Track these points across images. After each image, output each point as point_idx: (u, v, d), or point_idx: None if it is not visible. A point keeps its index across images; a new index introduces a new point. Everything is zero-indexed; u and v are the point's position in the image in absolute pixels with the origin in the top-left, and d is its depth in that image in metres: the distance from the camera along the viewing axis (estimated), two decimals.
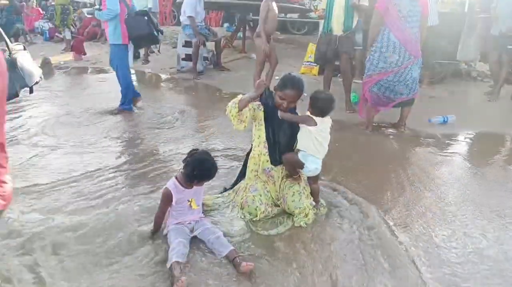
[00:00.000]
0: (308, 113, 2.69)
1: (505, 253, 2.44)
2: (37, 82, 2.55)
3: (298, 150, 2.72)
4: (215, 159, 2.46)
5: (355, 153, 4.09)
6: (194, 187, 2.41)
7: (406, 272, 2.23)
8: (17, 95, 2.38)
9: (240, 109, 2.66)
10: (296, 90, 2.66)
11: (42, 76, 2.61)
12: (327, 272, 2.22)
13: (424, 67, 5.99)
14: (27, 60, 2.39)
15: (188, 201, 2.40)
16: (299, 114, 2.81)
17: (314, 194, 2.83)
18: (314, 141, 2.66)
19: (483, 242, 2.55)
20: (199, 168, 2.32)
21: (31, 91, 2.48)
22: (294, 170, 2.79)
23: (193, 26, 7.19)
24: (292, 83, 2.66)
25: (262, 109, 2.80)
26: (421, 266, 2.29)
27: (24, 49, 2.46)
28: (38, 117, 4.95)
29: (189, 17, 7.13)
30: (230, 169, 3.45)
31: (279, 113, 2.69)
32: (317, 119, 2.64)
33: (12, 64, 2.27)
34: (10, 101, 2.30)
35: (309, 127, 2.65)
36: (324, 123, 2.67)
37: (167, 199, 2.37)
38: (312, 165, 2.69)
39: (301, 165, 2.70)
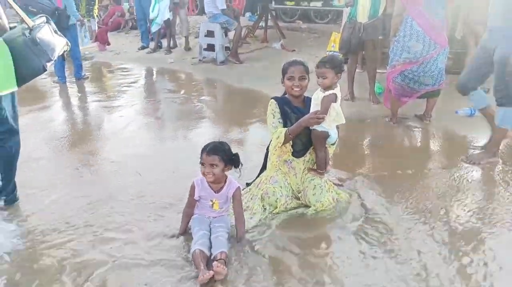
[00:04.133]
0: (322, 92, 2.63)
1: None
2: (65, 51, 2.69)
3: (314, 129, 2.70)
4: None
5: (378, 146, 4.01)
6: (222, 191, 2.39)
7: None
8: (45, 70, 2.55)
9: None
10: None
11: (69, 43, 2.73)
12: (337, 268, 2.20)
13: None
14: (47, 35, 2.48)
15: (211, 200, 2.40)
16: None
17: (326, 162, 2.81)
18: (332, 114, 2.63)
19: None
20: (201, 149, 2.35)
21: (63, 58, 2.65)
22: (322, 144, 2.75)
23: (229, 15, 7.49)
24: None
25: (278, 106, 2.78)
26: None
27: (47, 21, 2.53)
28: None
29: (223, 9, 7.39)
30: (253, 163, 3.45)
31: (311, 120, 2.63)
32: (337, 90, 2.63)
33: (33, 42, 2.39)
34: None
35: (333, 104, 2.61)
36: (339, 91, 2.67)
37: (191, 191, 2.41)
38: (332, 132, 2.70)
39: (326, 134, 2.69)
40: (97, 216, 2.65)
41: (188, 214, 2.44)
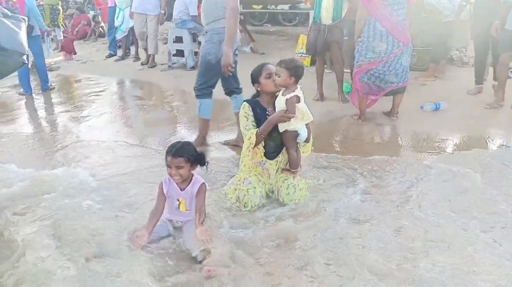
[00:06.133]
0: (284, 96, 2.70)
1: None
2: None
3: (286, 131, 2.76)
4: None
5: (347, 143, 4.09)
6: (187, 189, 2.42)
7: None
8: (25, 63, 2.58)
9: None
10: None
11: (25, 18, 2.74)
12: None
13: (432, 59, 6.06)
14: (9, 33, 2.47)
15: (178, 200, 2.43)
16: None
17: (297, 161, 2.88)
18: (297, 115, 2.70)
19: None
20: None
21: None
22: (294, 143, 2.81)
23: (197, 21, 7.34)
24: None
25: (251, 109, 2.83)
26: None
27: None
28: None
29: (195, 16, 7.33)
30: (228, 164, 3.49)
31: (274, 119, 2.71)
32: (298, 91, 2.70)
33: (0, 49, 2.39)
34: None
35: (297, 105, 2.69)
36: (301, 92, 2.74)
37: (159, 189, 2.45)
38: (302, 130, 2.76)
39: (296, 134, 2.76)
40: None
41: (155, 213, 2.40)
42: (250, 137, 2.74)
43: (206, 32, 3.64)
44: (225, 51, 3.47)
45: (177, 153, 2.33)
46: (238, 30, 3.58)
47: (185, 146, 2.39)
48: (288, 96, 2.69)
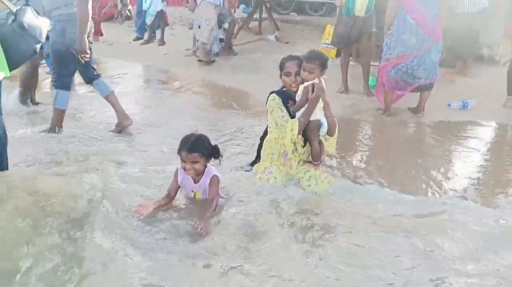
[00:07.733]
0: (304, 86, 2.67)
1: None
2: (49, 31, 2.75)
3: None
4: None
5: (371, 139, 4.03)
6: (200, 182, 2.43)
7: None
8: (36, 53, 2.58)
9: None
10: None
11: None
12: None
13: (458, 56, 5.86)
14: (32, 18, 2.50)
15: (193, 191, 2.48)
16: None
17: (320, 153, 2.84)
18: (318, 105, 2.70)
19: None
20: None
21: (47, 38, 2.74)
22: (316, 134, 2.78)
23: (227, 6, 7.25)
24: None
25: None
26: None
27: (27, 3, 2.54)
28: None
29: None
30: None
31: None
32: (323, 82, 2.68)
33: (20, 27, 2.41)
34: None
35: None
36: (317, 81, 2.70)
37: (174, 176, 2.48)
38: (323, 119, 2.74)
39: (319, 123, 2.73)
40: None
41: (166, 199, 2.42)
42: (292, 128, 2.68)
43: (50, 20, 3.35)
44: (79, 39, 3.32)
45: (192, 147, 2.30)
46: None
47: (199, 140, 2.36)
48: (306, 84, 2.68)
